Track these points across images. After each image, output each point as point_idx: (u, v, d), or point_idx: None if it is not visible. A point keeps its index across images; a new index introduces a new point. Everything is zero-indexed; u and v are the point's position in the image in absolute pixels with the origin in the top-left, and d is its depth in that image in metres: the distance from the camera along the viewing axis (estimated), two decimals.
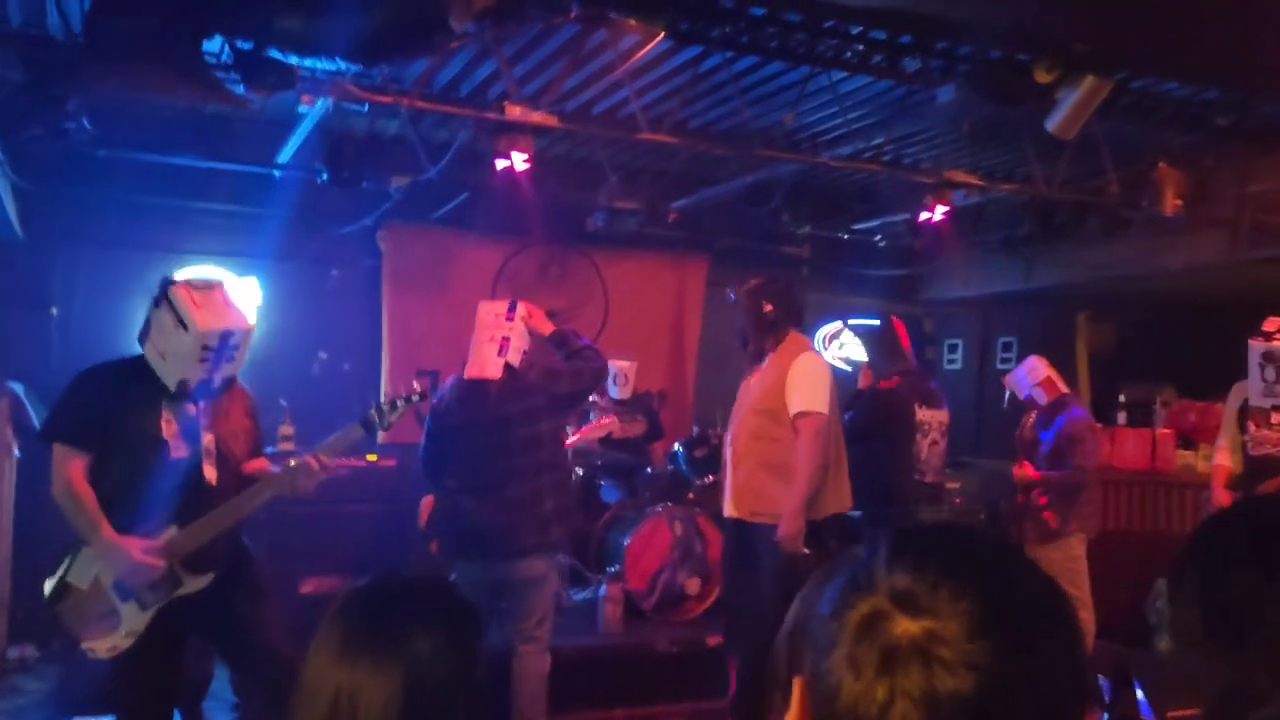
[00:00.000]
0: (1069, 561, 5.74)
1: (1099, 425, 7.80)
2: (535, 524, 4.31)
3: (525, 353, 4.39)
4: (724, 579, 4.88)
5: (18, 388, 5.78)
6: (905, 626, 0.79)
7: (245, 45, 4.49)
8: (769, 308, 4.66)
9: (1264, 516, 1.46)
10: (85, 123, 5.48)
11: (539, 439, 4.34)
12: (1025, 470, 5.81)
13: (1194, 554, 1.44)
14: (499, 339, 4.34)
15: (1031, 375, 5.99)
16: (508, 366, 4.32)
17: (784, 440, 4.50)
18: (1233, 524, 1.47)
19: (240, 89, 4.64)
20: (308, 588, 5.66)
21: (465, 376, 4.41)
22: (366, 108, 5.35)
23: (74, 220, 6.55)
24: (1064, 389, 5.98)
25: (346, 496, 5.55)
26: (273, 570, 5.62)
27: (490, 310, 4.44)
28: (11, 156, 5.87)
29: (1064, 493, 5.77)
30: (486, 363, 4.34)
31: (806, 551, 4.41)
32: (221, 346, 3.44)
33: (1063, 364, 8.46)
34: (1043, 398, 5.93)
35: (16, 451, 5.79)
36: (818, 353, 4.63)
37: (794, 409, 4.47)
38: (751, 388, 4.71)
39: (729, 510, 4.71)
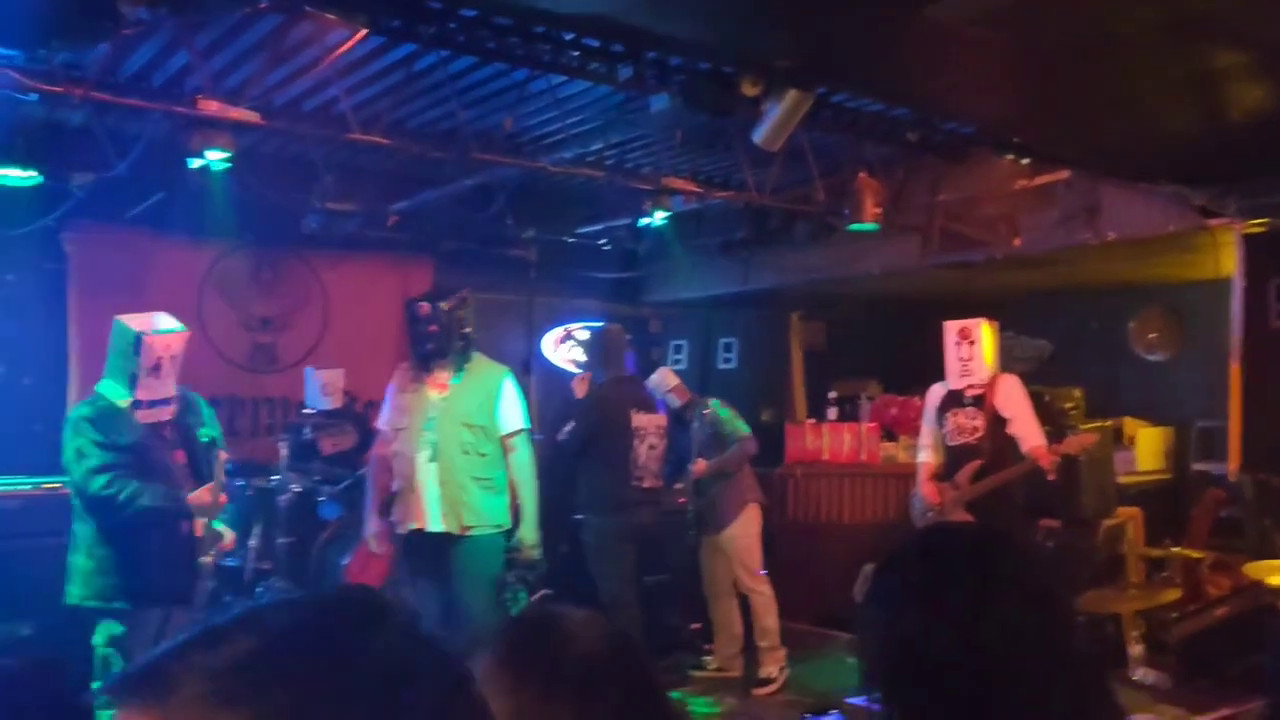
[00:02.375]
0: (747, 538, 6.11)
1: (810, 420, 8.24)
2: None
3: None
4: (416, 593, 4.82)
5: None
6: None
7: None
8: (469, 327, 4.82)
9: (931, 552, 1.47)
10: None
11: None
12: (699, 467, 6.07)
13: (870, 598, 1.44)
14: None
15: (661, 385, 6.24)
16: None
17: (491, 455, 4.72)
18: (902, 563, 1.47)
19: None
20: None
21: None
22: (34, 96, 4.79)
23: None
24: (689, 393, 6.34)
25: (19, 530, 4.95)
26: None
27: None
28: None
29: (733, 472, 6.12)
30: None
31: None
32: None
33: (779, 361, 8.90)
34: (676, 401, 6.24)
35: None
36: None
37: (510, 426, 4.77)
38: (436, 401, 4.73)
39: (432, 524, 4.68)
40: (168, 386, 4.18)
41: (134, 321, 4.16)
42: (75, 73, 4.96)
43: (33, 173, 5.62)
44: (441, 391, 4.73)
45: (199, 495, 4.05)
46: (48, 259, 6.90)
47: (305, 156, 6.58)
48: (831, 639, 6.62)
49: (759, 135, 4.87)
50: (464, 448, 4.67)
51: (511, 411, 4.80)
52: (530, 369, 6.95)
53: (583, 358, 8.25)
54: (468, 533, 4.64)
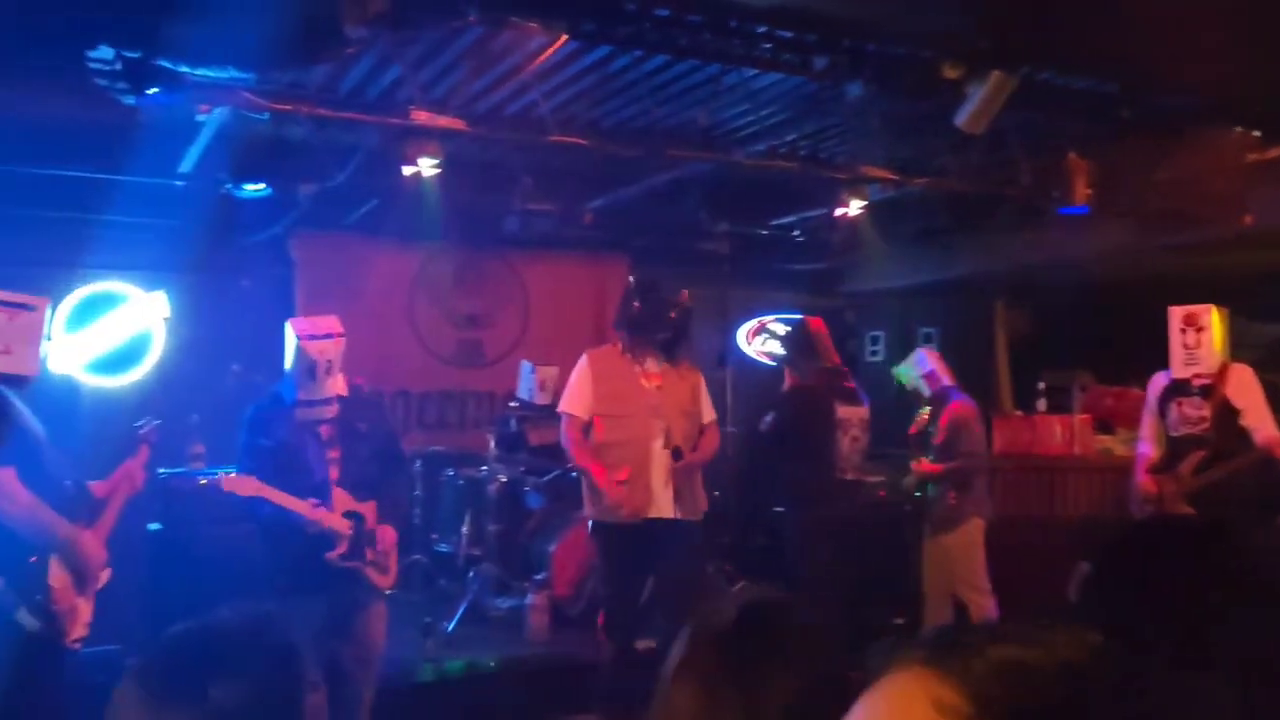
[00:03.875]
0: (967, 548, 5.84)
1: (1018, 411, 7.92)
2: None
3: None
4: (632, 581, 4.86)
5: None
6: None
7: (132, 54, 4.33)
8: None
9: (1148, 546, 1.42)
10: None
11: None
12: (922, 466, 5.86)
13: (1083, 595, 1.40)
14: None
15: (917, 367, 6.03)
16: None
17: (697, 443, 4.90)
18: (1118, 559, 1.42)
19: (130, 99, 4.47)
20: (225, 613, 5.48)
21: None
22: (267, 115, 5.18)
23: None
24: (947, 381, 6.03)
25: (240, 515, 5.38)
26: (186, 595, 5.51)
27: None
28: None
29: (958, 482, 5.84)
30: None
31: None
32: None
33: (982, 351, 8.58)
34: (926, 389, 6.00)
35: None
36: None
37: (709, 416, 4.94)
38: (653, 388, 4.80)
39: (666, 511, 4.72)
40: (326, 388, 4.27)
41: (299, 325, 4.35)
42: (299, 91, 5.33)
43: (263, 185, 6.09)
44: (655, 380, 4.81)
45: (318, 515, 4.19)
46: (277, 264, 7.45)
47: (504, 160, 6.82)
48: None
49: (961, 118, 4.72)
50: (686, 436, 4.80)
51: (707, 401, 5.00)
52: (725, 362, 7.00)
53: (779, 350, 8.23)
54: (688, 518, 4.78)
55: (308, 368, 4.20)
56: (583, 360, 4.96)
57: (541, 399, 6.92)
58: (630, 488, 4.71)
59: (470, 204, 6.84)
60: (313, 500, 4.15)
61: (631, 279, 5.20)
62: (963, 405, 5.90)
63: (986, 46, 4.37)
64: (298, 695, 1.33)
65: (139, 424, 4.18)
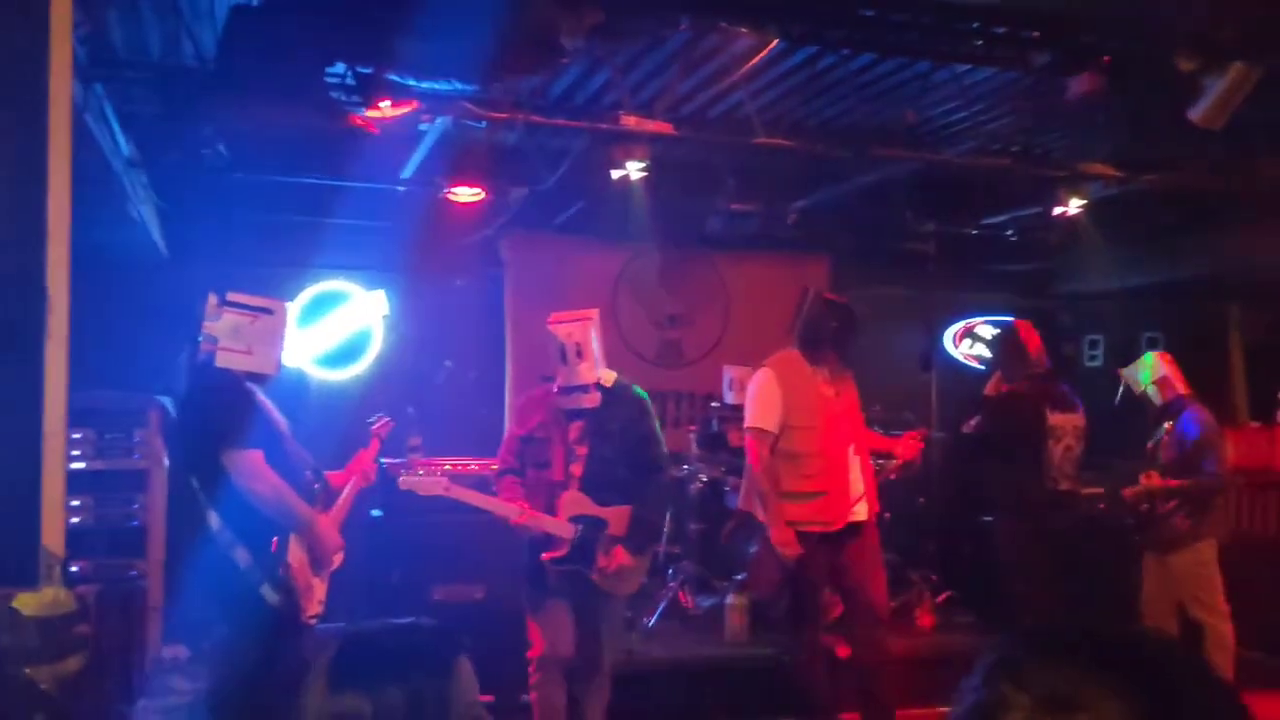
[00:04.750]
0: (1199, 567, 5.40)
1: (1254, 423, 7.35)
2: None
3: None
4: (821, 585, 4.81)
5: (166, 401, 6.06)
6: None
7: (366, 70, 4.62)
8: None
9: None
10: (221, 148, 5.72)
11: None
12: (1153, 481, 5.45)
13: None
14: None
15: (1149, 372, 5.61)
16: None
17: None
18: None
19: (362, 111, 4.77)
20: (439, 595, 5.78)
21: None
22: (484, 123, 5.41)
23: (214, 239, 6.81)
24: (1182, 390, 5.56)
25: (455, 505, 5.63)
26: (405, 578, 5.84)
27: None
28: (155, 181, 6.16)
29: (1196, 500, 5.42)
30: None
31: None
32: None
33: (1214, 358, 8.01)
34: (1158, 397, 5.56)
35: (166, 461, 6.07)
36: None
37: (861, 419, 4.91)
38: (833, 396, 4.77)
39: (858, 515, 4.68)
40: (580, 373, 4.24)
41: (553, 314, 4.44)
42: (513, 99, 5.54)
43: (479, 191, 6.36)
44: (832, 387, 4.77)
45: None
46: (488, 264, 7.77)
47: (709, 161, 6.87)
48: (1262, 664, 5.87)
49: (1197, 113, 4.42)
50: (859, 439, 4.80)
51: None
52: (930, 365, 6.82)
53: (987, 354, 7.94)
54: (871, 517, 4.74)
55: (559, 352, 4.27)
56: (767, 373, 4.79)
57: (735, 399, 6.96)
58: (828, 499, 4.64)
59: (674, 204, 6.92)
60: (520, 504, 4.16)
61: (822, 297, 5.05)
62: (1201, 419, 5.45)
63: (1227, 36, 4.07)
64: (451, 697, 1.41)
65: (371, 419, 4.42)
